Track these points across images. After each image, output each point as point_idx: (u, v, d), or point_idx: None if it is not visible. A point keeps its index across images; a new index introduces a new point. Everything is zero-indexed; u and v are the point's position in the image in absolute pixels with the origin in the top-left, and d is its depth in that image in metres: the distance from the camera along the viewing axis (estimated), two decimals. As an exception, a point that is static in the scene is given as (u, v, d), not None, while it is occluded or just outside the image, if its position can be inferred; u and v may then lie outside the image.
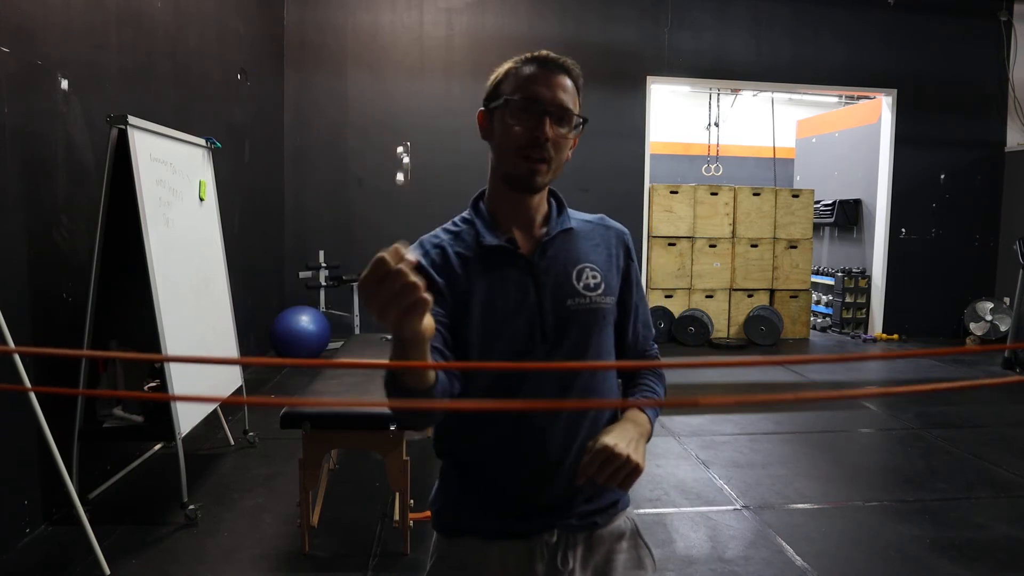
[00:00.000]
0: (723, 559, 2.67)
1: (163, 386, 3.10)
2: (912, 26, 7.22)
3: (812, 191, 7.34)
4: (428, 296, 0.75)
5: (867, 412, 4.72)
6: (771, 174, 9.30)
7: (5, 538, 2.58)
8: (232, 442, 3.80)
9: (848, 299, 7.71)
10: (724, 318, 7.11)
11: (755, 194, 7.15)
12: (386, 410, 2.53)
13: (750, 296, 7.16)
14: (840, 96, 9.72)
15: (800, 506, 3.18)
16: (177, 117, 3.95)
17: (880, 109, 7.49)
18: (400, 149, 6.68)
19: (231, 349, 3.88)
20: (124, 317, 3.12)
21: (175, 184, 3.30)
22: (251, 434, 3.81)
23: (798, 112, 10.58)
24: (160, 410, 3.03)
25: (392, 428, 2.52)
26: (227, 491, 3.21)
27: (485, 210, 1.15)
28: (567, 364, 1.11)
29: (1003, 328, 6.89)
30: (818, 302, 8.20)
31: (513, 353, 1.08)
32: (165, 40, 4.03)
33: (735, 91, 10.21)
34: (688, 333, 6.85)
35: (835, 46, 7.16)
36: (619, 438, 1.03)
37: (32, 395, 2.39)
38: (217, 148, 3.87)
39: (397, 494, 2.62)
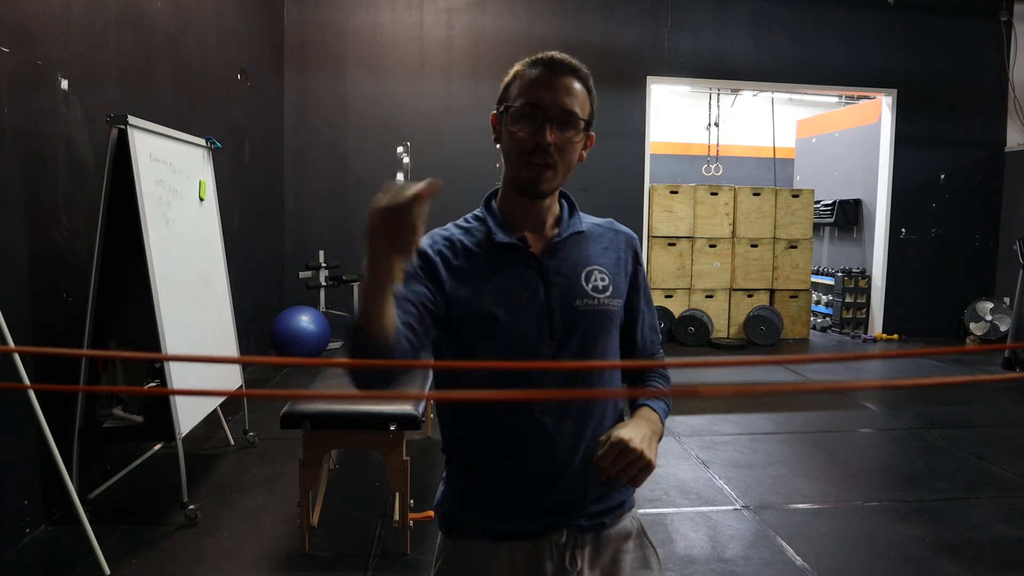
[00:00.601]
0: (723, 559, 2.67)
1: (163, 386, 3.09)
2: (912, 26, 7.22)
3: (812, 191, 7.34)
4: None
5: (867, 412, 4.72)
6: (771, 174, 9.30)
7: (5, 538, 2.58)
8: (232, 442, 3.80)
9: (848, 299, 7.71)
10: (724, 318, 7.11)
11: (755, 194, 7.15)
12: (386, 410, 2.53)
13: (750, 296, 7.16)
14: (840, 96, 9.72)
15: (800, 506, 3.18)
16: (177, 117, 3.95)
17: (880, 109, 7.49)
18: (400, 149, 6.67)
19: (231, 349, 3.88)
20: (124, 317, 3.12)
21: (175, 184, 3.30)
22: (251, 434, 3.81)
23: (798, 112, 10.58)
24: (160, 410, 3.03)
25: (392, 428, 2.52)
26: (227, 491, 3.21)
27: (497, 209, 1.16)
28: (572, 364, 1.11)
29: (1003, 328, 6.89)
30: (818, 302, 8.20)
31: (520, 352, 1.09)
32: (165, 40, 4.03)
33: (735, 91, 10.22)
34: (688, 333, 6.85)
35: (835, 46, 7.16)
36: (634, 433, 1.03)
37: (32, 394, 2.39)
38: (217, 148, 3.87)
39: (397, 494, 2.62)
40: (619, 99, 6.80)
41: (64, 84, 2.96)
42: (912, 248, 7.48)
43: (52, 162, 2.92)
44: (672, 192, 7.02)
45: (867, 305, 7.70)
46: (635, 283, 1.20)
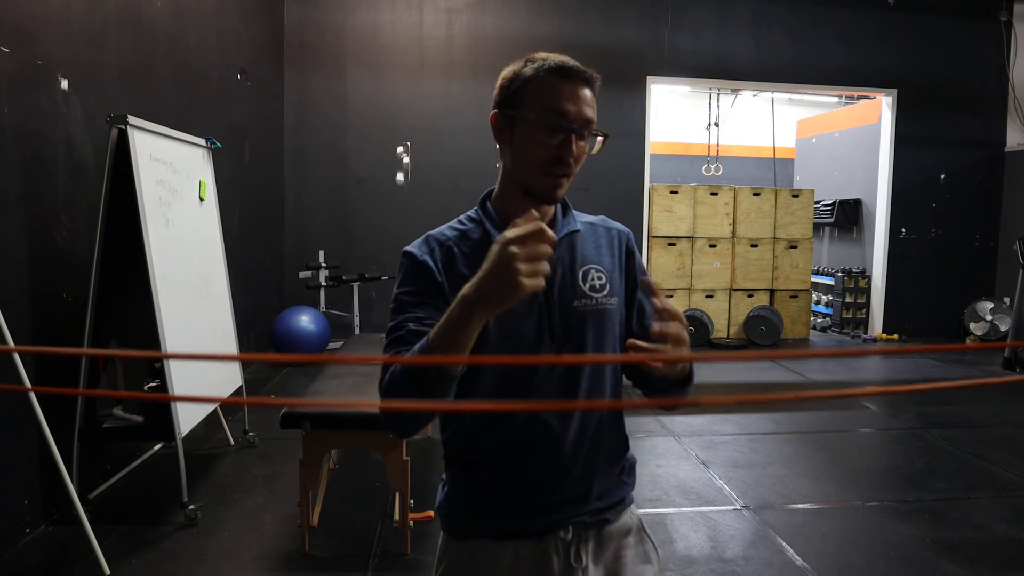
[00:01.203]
0: (723, 559, 2.67)
1: (163, 386, 3.10)
2: (912, 26, 7.22)
3: (812, 191, 7.34)
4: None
5: (867, 412, 4.72)
6: (771, 174, 9.30)
7: (5, 538, 2.58)
8: (232, 442, 3.80)
9: (848, 299, 7.71)
10: (724, 318, 7.11)
11: (755, 194, 7.15)
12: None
13: (750, 296, 7.16)
14: (840, 96, 9.72)
15: (800, 506, 3.18)
16: (177, 117, 3.95)
17: (880, 109, 7.49)
18: (400, 149, 6.68)
19: (231, 349, 3.88)
20: (124, 317, 3.12)
21: (175, 184, 3.30)
22: (251, 434, 3.81)
23: (798, 112, 10.58)
24: (160, 410, 3.03)
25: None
26: (227, 491, 3.21)
27: (493, 210, 1.15)
28: (573, 358, 1.11)
29: (1003, 328, 6.89)
30: (818, 302, 8.20)
31: (521, 354, 1.09)
32: (165, 40, 4.03)
33: (735, 91, 10.22)
34: (688, 333, 6.84)
35: (835, 46, 7.16)
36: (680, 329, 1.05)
37: (32, 395, 2.39)
38: (217, 148, 3.87)
39: (397, 494, 2.62)
40: (619, 99, 6.79)
41: (64, 84, 2.96)
42: (912, 248, 7.48)
43: (52, 162, 2.92)
44: (672, 192, 7.02)
45: (867, 305, 7.70)
46: (631, 277, 1.19)
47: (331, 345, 5.88)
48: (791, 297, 7.23)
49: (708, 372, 5.64)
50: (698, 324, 6.85)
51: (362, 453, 3.58)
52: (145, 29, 3.77)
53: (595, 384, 1.14)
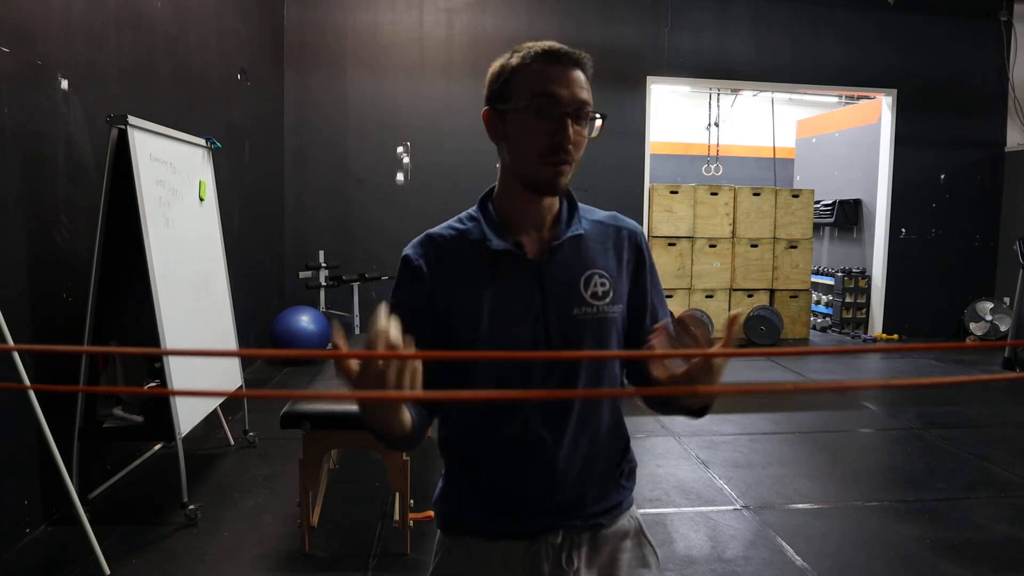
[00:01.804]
0: (723, 559, 2.67)
1: (163, 386, 3.09)
2: (912, 26, 7.21)
3: (812, 191, 7.34)
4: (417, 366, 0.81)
5: (867, 412, 4.72)
6: (771, 174, 9.30)
7: (5, 538, 2.58)
8: (232, 442, 3.80)
9: (848, 299, 7.71)
10: (724, 318, 7.09)
11: (755, 194, 7.15)
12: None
13: (750, 296, 7.16)
14: (840, 96, 9.71)
15: (800, 506, 3.18)
16: (177, 117, 3.95)
17: (880, 109, 7.49)
18: (400, 149, 6.68)
19: (231, 349, 3.88)
20: (124, 317, 3.12)
21: (175, 184, 3.30)
22: (251, 434, 3.81)
23: (798, 112, 10.58)
24: (160, 410, 3.03)
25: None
26: (227, 491, 3.21)
27: (493, 210, 1.11)
28: (571, 353, 1.09)
29: (1003, 328, 6.89)
30: (818, 302, 8.20)
31: (516, 363, 1.07)
32: (165, 40, 4.03)
33: (735, 91, 10.21)
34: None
35: (835, 46, 7.16)
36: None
37: (32, 394, 2.39)
38: (217, 148, 3.87)
39: (397, 494, 2.62)
40: (619, 99, 6.79)
41: (64, 84, 2.96)
42: (912, 248, 7.48)
43: (52, 162, 2.92)
44: (672, 192, 7.02)
45: (867, 305, 7.70)
46: (638, 280, 1.14)
47: (331, 345, 5.87)
48: (791, 297, 7.23)
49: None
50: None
51: (362, 453, 3.58)
52: (145, 29, 3.77)
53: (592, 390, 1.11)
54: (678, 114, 10.93)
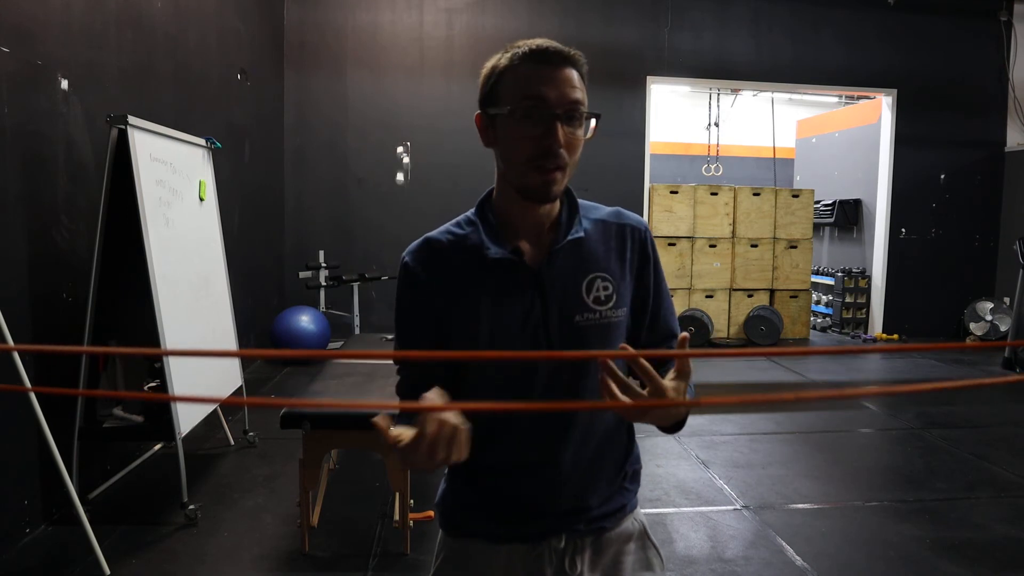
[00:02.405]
0: (723, 559, 2.67)
1: (163, 387, 3.10)
2: (912, 26, 7.21)
3: (812, 191, 7.34)
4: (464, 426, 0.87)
5: (867, 412, 4.72)
6: (771, 174, 9.30)
7: (5, 538, 2.58)
8: (232, 442, 3.80)
9: (848, 299, 7.71)
10: (724, 318, 7.11)
11: (755, 194, 7.15)
12: (386, 410, 2.53)
13: (750, 296, 7.16)
14: (840, 96, 9.72)
15: (800, 506, 3.18)
16: (177, 117, 3.95)
17: (880, 109, 7.49)
18: (400, 149, 6.68)
19: (231, 349, 3.88)
20: (124, 317, 3.12)
21: (175, 184, 3.30)
22: (251, 434, 3.81)
23: (798, 112, 10.58)
24: (160, 410, 3.03)
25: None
26: (227, 491, 3.21)
27: (492, 215, 1.08)
28: (571, 353, 1.08)
29: (1003, 328, 6.88)
30: (818, 302, 8.20)
31: (517, 372, 1.05)
32: (165, 40, 4.03)
33: (735, 91, 10.22)
34: (688, 333, 6.85)
35: (835, 46, 7.16)
36: (678, 393, 0.95)
37: (32, 395, 2.39)
38: (217, 148, 3.87)
39: (397, 494, 2.62)
40: (619, 99, 6.80)
41: (64, 84, 2.96)
42: (912, 248, 7.48)
43: (52, 162, 2.92)
44: (672, 192, 7.02)
45: (867, 305, 7.70)
46: (642, 280, 1.10)
47: (331, 345, 5.88)
48: (791, 297, 7.23)
49: (708, 372, 5.64)
50: (698, 324, 6.85)
51: (362, 453, 3.58)
52: (145, 29, 3.77)
53: (594, 398, 1.08)
54: (678, 114, 10.93)
